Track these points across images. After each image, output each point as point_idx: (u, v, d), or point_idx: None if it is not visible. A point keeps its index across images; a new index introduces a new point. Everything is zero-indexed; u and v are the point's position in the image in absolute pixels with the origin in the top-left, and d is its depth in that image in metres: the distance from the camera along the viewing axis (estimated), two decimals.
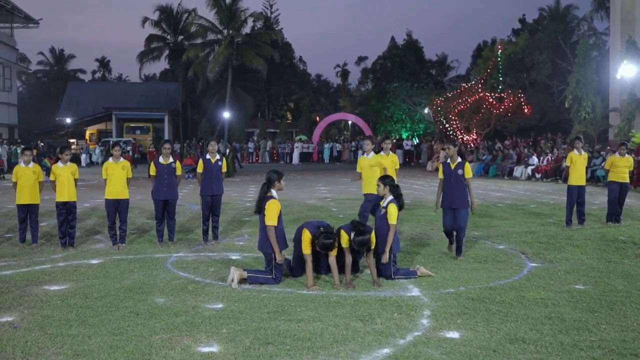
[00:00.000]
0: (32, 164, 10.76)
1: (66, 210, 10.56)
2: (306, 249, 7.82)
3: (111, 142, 39.51)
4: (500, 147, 32.34)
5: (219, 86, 54.01)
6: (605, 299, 7.05)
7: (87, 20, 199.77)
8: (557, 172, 25.47)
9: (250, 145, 49.87)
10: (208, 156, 10.96)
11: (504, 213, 15.09)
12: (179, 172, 11.01)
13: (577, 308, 6.70)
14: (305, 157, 47.18)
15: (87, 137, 54.48)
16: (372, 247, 7.91)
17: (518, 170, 28.30)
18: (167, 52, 58.20)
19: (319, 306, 6.82)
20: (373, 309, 6.68)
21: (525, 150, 30.03)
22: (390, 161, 11.64)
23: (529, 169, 27.59)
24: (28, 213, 10.69)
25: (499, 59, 40.83)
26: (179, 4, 57.28)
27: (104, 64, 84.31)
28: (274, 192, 8.18)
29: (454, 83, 51.98)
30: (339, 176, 30.36)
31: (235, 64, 54.07)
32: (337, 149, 47.93)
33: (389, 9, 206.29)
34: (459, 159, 9.52)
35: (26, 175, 10.60)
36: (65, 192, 10.52)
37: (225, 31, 51.03)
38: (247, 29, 54.41)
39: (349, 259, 7.84)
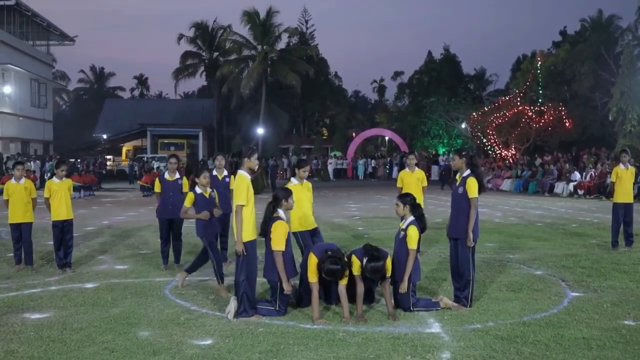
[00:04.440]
0: (23, 180, 10.08)
1: (64, 230, 9.86)
2: (312, 277, 6.91)
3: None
4: (540, 162, 31.00)
5: (253, 102, 53.72)
6: None
7: (128, 39, 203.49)
8: (601, 189, 24.10)
9: (285, 161, 49.23)
10: (215, 172, 10.15)
11: (542, 233, 13.93)
12: (185, 188, 10.23)
13: (627, 351, 5.63)
14: (339, 173, 46.27)
15: (123, 153, 54.74)
16: (388, 274, 6.97)
17: (559, 187, 26.98)
18: (202, 68, 58.29)
19: (321, 345, 5.88)
20: (383, 350, 5.71)
21: (567, 165, 28.63)
22: (415, 178, 10.69)
23: (571, 185, 26.23)
24: (21, 232, 10.00)
25: (538, 71, 39.44)
26: (214, 21, 57.42)
27: (142, 81, 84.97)
28: (281, 213, 7.27)
29: (493, 97, 50.58)
30: (373, 193, 29.41)
31: (270, 80, 53.73)
32: (372, 165, 46.97)
33: (427, 23, 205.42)
34: (467, 172, 7.35)
35: (17, 192, 9.93)
36: (63, 209, 9.84)
37: (259, 47, 50.78)
38: (282, 45, 54.23)
39: (360, 288, 6.89)
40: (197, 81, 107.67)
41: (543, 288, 8.24)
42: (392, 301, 7.03)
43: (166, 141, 51.59)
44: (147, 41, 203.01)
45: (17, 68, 41.28)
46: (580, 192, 25.49)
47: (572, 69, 37.77)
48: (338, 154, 51.06)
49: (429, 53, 60.06)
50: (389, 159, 47.27)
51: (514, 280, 8.70)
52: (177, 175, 10.15)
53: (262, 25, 50.23)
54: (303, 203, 8.34)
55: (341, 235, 13.60)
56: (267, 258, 7.18)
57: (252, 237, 7.02)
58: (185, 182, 10.25)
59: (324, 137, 63.95)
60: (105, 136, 52.88)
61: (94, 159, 42.26)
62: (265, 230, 7.19)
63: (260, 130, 50.16)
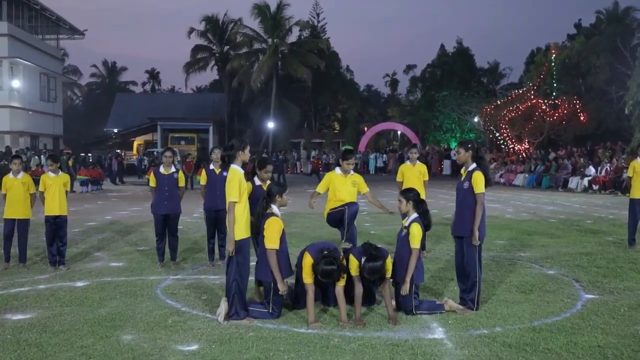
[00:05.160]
0: (21, 174, 9.72)
1: (56, 226, 9.51)
2: (307, 277, 6.49)
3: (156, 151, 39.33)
4: (554, 156, 30.37)
5: (264, 96, 53.32)
6: None
7: (140, 35, 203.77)
8: (617, 184, 23.49)
9: (295, 155, 48.82)
10: (212, 166, 9.75)
11: (556, 230, 13.43)
12: (181, 183, 9.84)
13: None
14: None
15: (134, 147, 54.56)
16: (388, 275, 6.53)
17: (573, 182, 26.37)
18: (213, 62, 57.90)
19: (314, 352, 5.46)
20: (379, 358, 5.27)
21: (582, 160, 27.98)
22: (416, 172, 10.23)
23: (586, 180, 25.61)
24: (16, 228, 9.64)
25: (552, 63, 38.70)
26: (225, 14, 56.94)
27: (153, 75, 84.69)
28: (275, 209, 6.84)
29: (506, 91, 49.83)
30: (383, 188, 28.89)
31: (281, 73, 53.30)
32: (383, 159, 46.46)
33: (439, 19, 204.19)
34: (473, 166, 6.89)
35: (15, 186, 9.57)
36: (57, 204, 9.49)
37: (270, 40, 50.37)
38: (292, 38, 53.79)
39: (359, 289, 6.47)
40: (209, 75, 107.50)
41: (555, 289, 7.77)
42: (393, 303, 6.61)
43: (176, 135, 51.21)
44: (159, 36, 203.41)
45: (26, 62, 41.04)
46: (595, 187, 24.88)
47: (587, 62, 37.03)
48: (349, 148, 50.53)
49: (442, 46, 59.37)
50: (400, 152, 46.73)
51: (524, 281, 8.24)
52: (173, 169, 9.76)
53: (272, 19, 49.84)
54: (341, 195, 8.20)
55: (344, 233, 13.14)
56: (261, 258, 6.77)
57: (246, 236, 6.60)
58: (181, 176, 9.87)
59: (336, 131, 63.39)
60: (116, 130, 52.75)
61: (116, 152, 41.92)
62: (257, 227, 6.77)
63: (270, 124, 49.76)
